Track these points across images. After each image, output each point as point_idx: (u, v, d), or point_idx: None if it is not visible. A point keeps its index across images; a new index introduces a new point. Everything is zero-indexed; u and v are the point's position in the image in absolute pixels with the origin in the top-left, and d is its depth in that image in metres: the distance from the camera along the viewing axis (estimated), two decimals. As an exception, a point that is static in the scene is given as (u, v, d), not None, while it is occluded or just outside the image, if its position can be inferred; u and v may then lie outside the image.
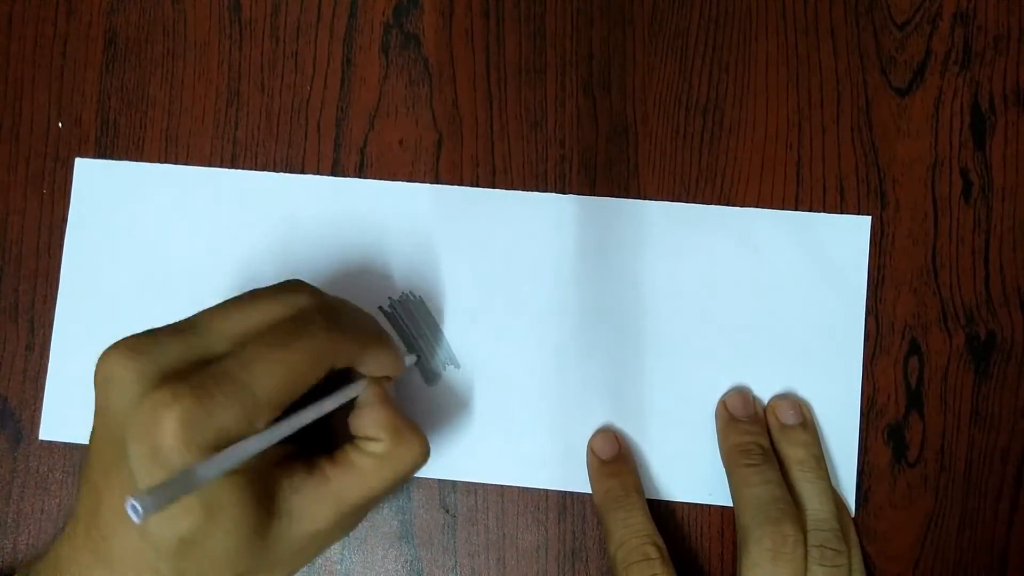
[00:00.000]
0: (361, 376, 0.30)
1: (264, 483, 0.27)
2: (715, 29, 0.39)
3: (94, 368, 0.26)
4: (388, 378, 0.31)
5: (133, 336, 0.26)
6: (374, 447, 0.29)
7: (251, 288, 0.29)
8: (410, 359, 0.36)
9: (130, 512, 0.21)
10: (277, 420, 0.26)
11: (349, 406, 0.30)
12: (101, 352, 0.26)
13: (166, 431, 0.24)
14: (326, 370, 0.27)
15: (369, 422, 0.29)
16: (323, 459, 0.29)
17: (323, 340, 0.27)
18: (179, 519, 0.25)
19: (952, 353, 0.37)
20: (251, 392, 0.25)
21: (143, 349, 0.26)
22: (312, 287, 0.30)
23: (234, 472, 0.25)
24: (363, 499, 0.28)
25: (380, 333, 0.31)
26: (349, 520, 0.29)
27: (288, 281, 0.30)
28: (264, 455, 0.26)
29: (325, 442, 0.30)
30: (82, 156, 0.40)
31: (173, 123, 0.40)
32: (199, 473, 0.23)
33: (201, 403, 0.24)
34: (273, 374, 0.26)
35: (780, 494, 0.33)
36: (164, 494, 0.21)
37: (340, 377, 0.30)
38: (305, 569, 0.37)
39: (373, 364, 0.30)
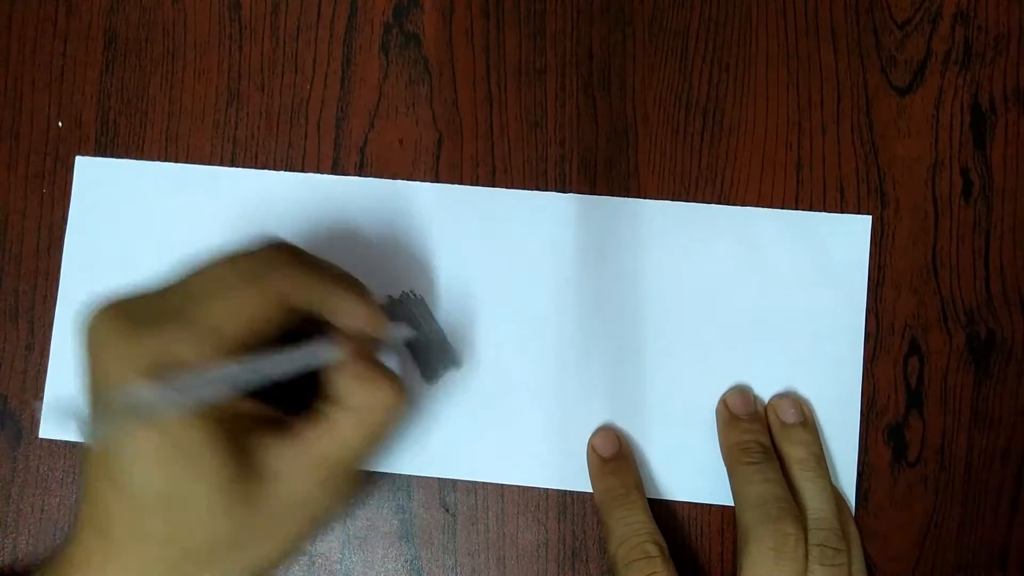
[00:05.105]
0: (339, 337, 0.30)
1: (240, 439, 0.27)
2: (715, 29, 0.39)
3: None
4: (372, 340, 0.31)
5: (117, 294, 0.28)
6: (348, 398, 0.28)
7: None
8: (399, 329, 0.35)
9: (84, 433, 0.22)
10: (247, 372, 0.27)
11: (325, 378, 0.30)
12: None
13: (123, 367, 0.25)
14: (282, 305, 0.28)
15: (343, 375, 0.29)
16: (299, 418, 0.29)
17: (279, 275, 0.28)
18: (153, 470, 0.25)
19: (952, 353, 0.37)
20: (199, 321, 0.26)
21: (118, 301, 0.27)
22: (290, 243, 0.30)
23: (206, 422, 0.26)
24: (341, 455, 0.28)
25: (352, 280, 0.30)
26: (333, 483, 0.28)
27: (267, 236, 0.30)
28: (239, 410, 0.27)
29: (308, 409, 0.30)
30: (82, 155, 0.40)
31: (173, 123, 0.40)
32: (157, 396, 0.24)
33: (158, 338, 0.26)
34: (221, 306, 0.27)
35: (781, 493, 0.33)
36: (122, 412, 0.22)
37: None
38: (305, 569, 0.37)
39: (343, 312, 0.29)
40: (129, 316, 0.26)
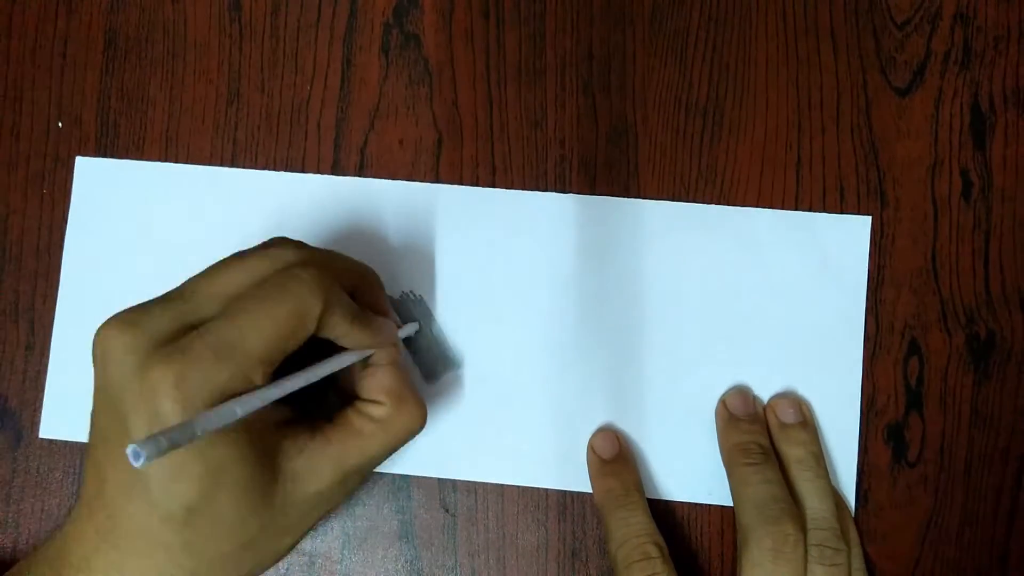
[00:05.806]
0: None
1: (265, 444, 0.27)
2: (715, 29, 0.39)
3: (92, 346, 0.27)
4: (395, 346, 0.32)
5: (125, 310, 0.27)
6: (375, 411, 0.30)
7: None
8: (411, 327, 0.36)
9: (131, 457, 0.21)
10: (275, 379, 0.27)
11: (347, 376, 0.31)
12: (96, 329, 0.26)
13: (162, 395, 0.24)
14: (308, 327, 0.27)
15: (374, 385, 0.30)
16: (324, 422, 0.29)
17: (310, 290, 0.27)
18: (184, 486, 0.25)
19: (952, 353, 0.37)
20: (241, 348, 0.25)
21: (135, 321, 0.26)
22: (297, 241, 0.30)
23: (235, 434, 0.25)
24: (362, 461, 0.29)
25: (370, 291, 0.32)
26: (350, 481, 0.30)
27: (273, 238, 0.30)
28: (264, 417, 0.27)
29: (327, 409, 0.31)
30: (82, 156, 0.40)
31: (173, 123, 0.40)
32: (198, 424, 0.23)
33: (194, 364, 0.25)
34: (261, 328, 0.26)
35: (780, 493, 0.33)
36: (165, 441, 0.21)
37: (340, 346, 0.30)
38: (305, 569, 0.37)
39: (359, 345, 0.30)
40: (147, 335, 0.26)
